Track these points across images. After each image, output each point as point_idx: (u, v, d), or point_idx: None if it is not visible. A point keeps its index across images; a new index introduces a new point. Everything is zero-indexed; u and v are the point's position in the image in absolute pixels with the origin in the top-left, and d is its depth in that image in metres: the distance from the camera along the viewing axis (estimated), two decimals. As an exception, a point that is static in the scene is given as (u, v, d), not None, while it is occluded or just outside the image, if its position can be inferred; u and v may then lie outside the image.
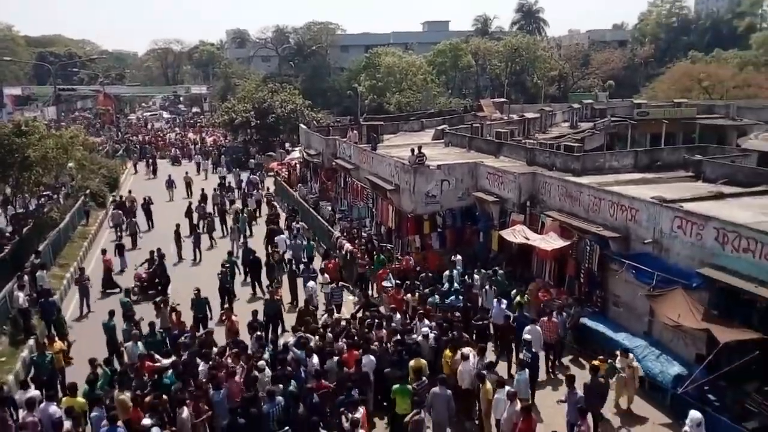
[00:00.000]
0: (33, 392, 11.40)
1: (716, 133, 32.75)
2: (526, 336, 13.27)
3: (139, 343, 13.55)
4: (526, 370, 12.24)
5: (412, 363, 12.28)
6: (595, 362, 12.01)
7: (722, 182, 17.74)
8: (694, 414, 9.69)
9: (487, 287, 16.73)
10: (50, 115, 63.33)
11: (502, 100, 49.11)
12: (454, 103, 57.89)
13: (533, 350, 12.96)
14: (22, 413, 10.72)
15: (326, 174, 31.77)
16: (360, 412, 10.67)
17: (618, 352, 12.56)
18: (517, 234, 17.79)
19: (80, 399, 11.14)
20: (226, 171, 39.75)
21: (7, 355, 15.20)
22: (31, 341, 15.76)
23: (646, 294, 13.59)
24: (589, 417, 10.34)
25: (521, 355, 13.17)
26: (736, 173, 17.91)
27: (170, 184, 34.73)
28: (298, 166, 38.50)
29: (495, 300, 15.65)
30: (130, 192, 31.84)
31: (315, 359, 12.52)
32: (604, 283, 15.55)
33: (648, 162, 20.56)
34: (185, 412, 10.42)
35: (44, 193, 28.12)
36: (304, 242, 22.00)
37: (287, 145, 47.44)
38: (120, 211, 27.86)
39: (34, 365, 13.19)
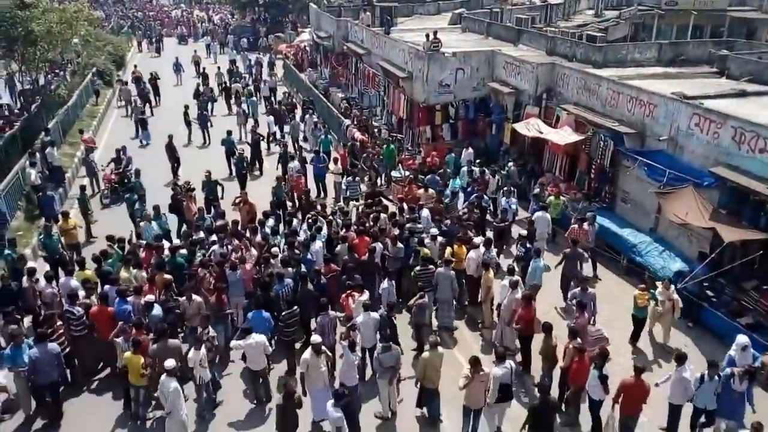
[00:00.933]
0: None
1: (746, 26, 31.09)
2: (522, 231, 13.51)
3: (153, 223, 13.85)
4: (541, 258, 12.41)
5: (419, 248, 12.60)
6: (637, 292, 11.41)
7: (746, 80, 17.08)
8: (741, 338, 9.64)
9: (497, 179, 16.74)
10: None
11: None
12: (473, -14, 54.79)
13: (528, 246, 13.07)
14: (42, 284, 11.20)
15: (337, 59, 30.83)
16: (366, 295, 11.07)
17: (660, 283, 11.60)
18: (530, 127, 17.49)
19: (89, 272, 11.67)
20: (235, 53, 38.54)
21: (24, 229, 15.63)
22: (43, 220, 16.15)
23: (656, 191, 13.54)
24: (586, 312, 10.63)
25: (514, 249, 13.48)
26: (761, 71, 17.18)
27: (178, 67, 32.93)
28: (308, 49, 37.28)
29: (504, 198, 15.63)
30: (135, 67, 31.57)
31: (318, 243, 12.86)
32: (614, 180, 15.49)
33: (672, 56, 19.68)
34: (196, 299, 10.74)
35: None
36: (321, 136, 21.35)
37: (297, 26, 45.65)
38: (129, 88, 28.25)
39: (44, 246, 13.49)
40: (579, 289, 11.20)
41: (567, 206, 15.69)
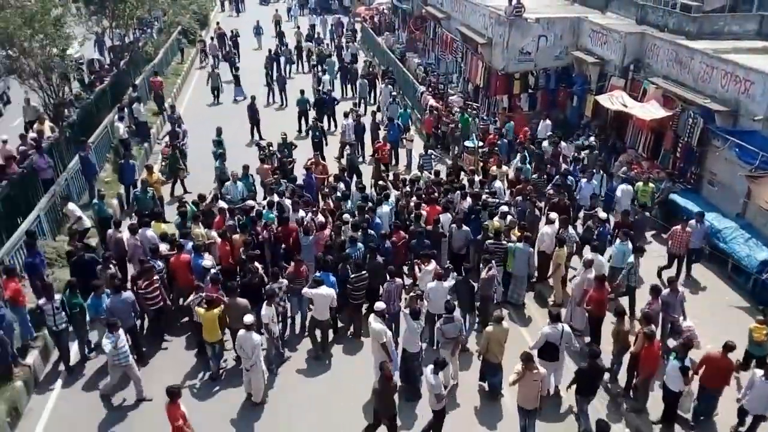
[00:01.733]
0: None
1: None
2: (602, 213, 12.86)
3: (239, 183, 14.14)
4: (629, 241, 11.69)
5: (487, 223, 12.43)
6: (753, 325, 9.72)
7: None
8: None
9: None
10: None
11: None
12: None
13: (603, 228, 12.52)
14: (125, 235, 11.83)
15: (415, 23, 30.35)
16: (432, 264, 11.09)
17: None
18: (614, 100, 16.70)
19: (164, 225, 12.22)
20: (314, 16, 38.55)
21: (111, 181, 16.48)
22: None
23: (747, 174, 12.72)
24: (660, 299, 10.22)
25: (589, 222, 12.93)
26: None
27: (258, 30, 32.69)
28: (386, 12, 36.88)
29: (584, 178, 14.63)
30: (218, 24, 32.42)
31: (386, 208, 12.99)
32: (701, 160, 14.65)
33: (776, 28, 18.21)
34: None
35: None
36: (400, 109, 20.40)
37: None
38: (215, 43, 29.76)
39: (137, 200, 13.99)
40: (669, 290, 10.21)
41: (657, 192, 14.58)
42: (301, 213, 12.56)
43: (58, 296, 9.85)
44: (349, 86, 25.19)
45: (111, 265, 10.75)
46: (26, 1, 16.80)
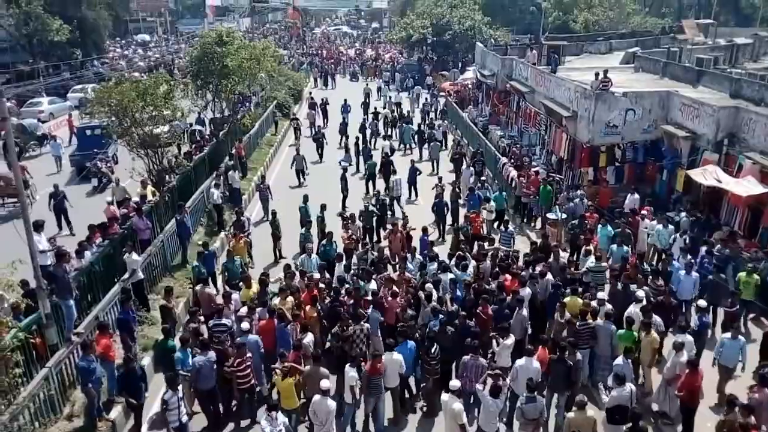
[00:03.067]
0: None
1: None
2: (702, 302, 11.69)
3: (314, 256, 14.23)
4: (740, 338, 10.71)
5: (567, 300, 11.96)
6: None
7: None
8: None
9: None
10: (244, 27, 67.96)
11: (709, 21, 43.16)
12: (650, 23, 52.14)
13: (705, 318, 11.55)
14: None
15: (498, 96, 30.82)
16: (511, 339, 10.76)
17: None
18: (707, 175, 16.02)
19: (252, 292, 12.38)
20: (396, 91, 39.63)
21: (204, 242, 17.38)
22: (223, 234, 17.83)
23: None
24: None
25: (692, 321, 11.59)
26: None
27: (346, 108, 32.10)
28: (470, 87, 37.73)
29: (681, 260, 13.54)
30: (311, 94, 34.52)
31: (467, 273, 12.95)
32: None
33: None
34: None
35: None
36: (491, 193, 19.18)
37: (461, 64, 46.48)
38: (313, 111, 32.10)
39: (227, 270, 14.05)
40: None
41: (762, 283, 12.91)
42: (373, 285, 12.43)
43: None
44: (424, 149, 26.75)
45: (198, 321, 11.18)
46: (141, 77, 18.68)
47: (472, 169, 22.13)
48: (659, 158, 19.44)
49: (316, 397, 9.07)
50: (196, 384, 10.06)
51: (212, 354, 10.18)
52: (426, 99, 35.66)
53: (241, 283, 12.85)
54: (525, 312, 11.60)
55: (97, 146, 23.28)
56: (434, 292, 11.96)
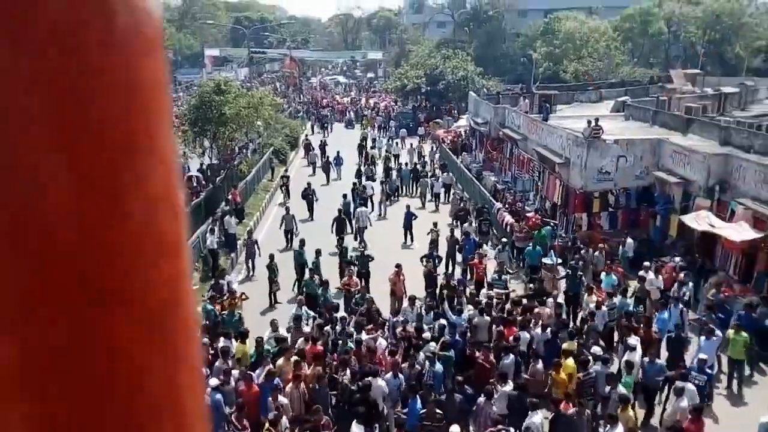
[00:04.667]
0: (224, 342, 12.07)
1: None
2: (702, 355, 11.26)
3: (303, 308, 13.64)
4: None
5: (565, 346, 11.90)
6: None
7: None
8: None
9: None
10: (242, 76, 69.27)
11: (696, 71, 44.35)
12: (638, 73, 53.52)
13: (708, 371, 11.14)
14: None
15: (492, 144, 31.32)
16: (509, 386, 10.63)
17: None
18: (701, 220, 16.21)
19: (246, 348, 11.88)
20: (390, 138, 40.00)
21: (198, 287, 17.31)
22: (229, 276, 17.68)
23: None
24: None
25: (692, 378, 10.78)
26: None
27: (338, 161, 31.88)
28: (463, 134, 38.35)
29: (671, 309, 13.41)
30: (307, 137, 35.33)
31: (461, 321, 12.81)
32: (802, 284, 13.73)
33: None
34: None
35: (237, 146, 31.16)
36: (493, 249, 18.87)
37: (455, 112, 47.38)
38: (314, 151, 33.61)
39: (223, 321, 13.54)
40: None
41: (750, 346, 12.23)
42: (364, 335, 12.05)
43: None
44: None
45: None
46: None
47: (475, 226, 21.20)
48: (652, 204, 19.68)
49: None
50: None
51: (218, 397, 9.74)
52: (411, 144, 36.05)
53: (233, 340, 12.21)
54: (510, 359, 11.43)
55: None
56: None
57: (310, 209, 24.74)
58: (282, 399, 9.91)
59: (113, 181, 0.40)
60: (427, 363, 11.05)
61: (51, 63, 0.37)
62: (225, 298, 14.71)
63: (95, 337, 0.39)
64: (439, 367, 10.98)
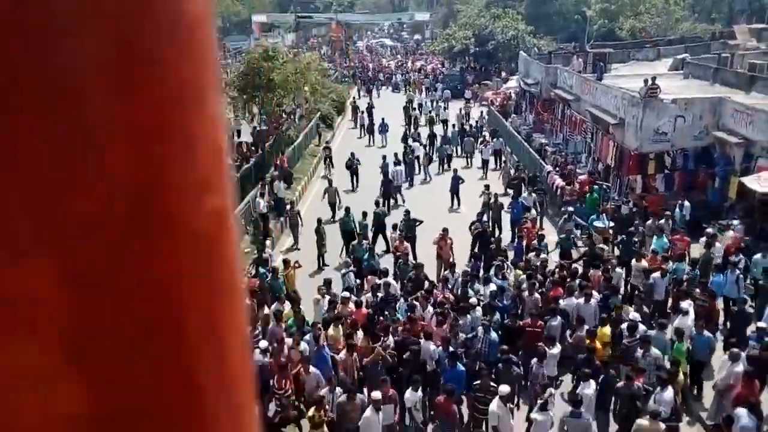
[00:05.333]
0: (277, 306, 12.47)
1: None
2: (762, 323, 11.02)
3: (351, 275, 13.72)
4: None
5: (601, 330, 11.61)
6: None
7: None
8: None
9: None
10: (289, 42, 69.21)
11: (761, 26, 41.80)
12: (699, 30, 50.79)
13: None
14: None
15: (543, 105, 30.53)
16: (557, 348, 10.61)
17: None
18: (762, 182, 15.50)
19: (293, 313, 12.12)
20: (435, 101, 39.19)
21: (248, 252, 17.75)
22: (268, 242, 18.17)
23: None
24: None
25: (750, 348, 10.35)
26: None
27: (383, 128, 31.31)
28: (513, 95, 37.50)
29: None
30: (354, 98, 36.58)
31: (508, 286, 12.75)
32: None
33: None
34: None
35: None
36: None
37: (504, 73, 46.26)
38: (362, 114, 33.82)
39: (270, 287, 13.67)
40: None
41: None
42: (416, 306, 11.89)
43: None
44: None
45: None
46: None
47: (534, 195, 19.77)
48: (711, 165, 18.91)
49: (367, 413, 8.75)
50: None
51: (258, 358, 10.06)
52: (460, 109, 34.78)
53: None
54: (558, 321, 11.35)
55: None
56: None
57: (354, 180, 24.15)
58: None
59: (161, 120, 0.42)
60: (481, 330, 10.85)
61: None
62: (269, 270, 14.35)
63: (141, 267, 0.42)
64: (494, 335, 10.80)
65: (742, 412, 8.58)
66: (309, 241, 17.74)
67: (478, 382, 9.54)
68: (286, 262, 14.67)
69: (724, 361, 10.29)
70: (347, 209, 17.82)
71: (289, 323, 11.82)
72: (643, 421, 8.53)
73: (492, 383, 9.38)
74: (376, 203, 18.19)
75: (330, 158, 26.43)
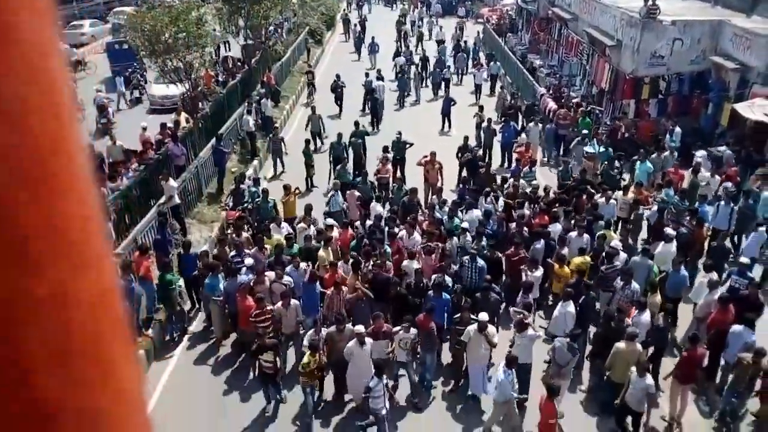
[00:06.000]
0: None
1: None
2: (744, 258, 11.05)
3: (338, 196, 13.70)
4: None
5: (603, 232, 11.83)
6: None
7: None
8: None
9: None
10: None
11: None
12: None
13: (750, 275, 10.74)
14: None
15: (539, 24, 29.58)
16: (540, 271, 10.77)
17: None
18: (756, 109, 15.33)
19: (275, 239, 11.91)
20: (428, 18, 38.17)
21: (237, 170, 17.56)
22: (256, 161, 17.97)
23: None
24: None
25: (732, 282, 10.68)
26: None
27: (372, 48, 29.85)
28: (510, 13, 36.25)
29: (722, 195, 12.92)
30: (344, 10, 36.72)
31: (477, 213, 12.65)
32: None
33: None
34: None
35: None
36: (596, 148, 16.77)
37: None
38: (354, 27, 33.61)
39: (259, 210, 13.48)
40: None
41: None
42: (403, 233, 11.85)
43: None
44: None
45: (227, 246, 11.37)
46: (173, 2, 18.42)
47: (540, 125, 18.68)
48: (705, 91, 18.63)
49: (351, 344, 8.75)
50: (229, 307, 10.33)
51: (242, 278, 10.31)
52: (455, 29, 33.47)
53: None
54: (541, 244, 11.43)
55: (129, 59, 23.68)
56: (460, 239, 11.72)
57: (339, 103, 22.96)
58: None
59: None
60: (467, 259, 10.86)
61: None
62: (246, 204, 13.74)
63: None
64: (481, 263, 10.80)
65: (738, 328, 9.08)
66: (293, 168, 17.40)
67: (458, 315, 9.64)
68: (286, 188, 13.98)
69: (700, 284, 10.54)
70: (339, 135, 16.87)
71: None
72: (620, 344, 8.82)
73: (472, 315, 9.38)
74: (356, 123, 17.74)
75: (312, 84, 25.01)
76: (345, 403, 9.60)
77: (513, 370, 8.49)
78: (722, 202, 12.79)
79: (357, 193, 13.97)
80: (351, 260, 10.74)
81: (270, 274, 10.44)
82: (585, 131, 17.30)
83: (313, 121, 19.13)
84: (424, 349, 9.59)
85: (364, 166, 16.82)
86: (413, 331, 9.15)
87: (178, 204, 13.58)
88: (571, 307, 9.73)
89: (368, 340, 8.91)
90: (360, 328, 8.90)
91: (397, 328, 9.23)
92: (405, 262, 10.97)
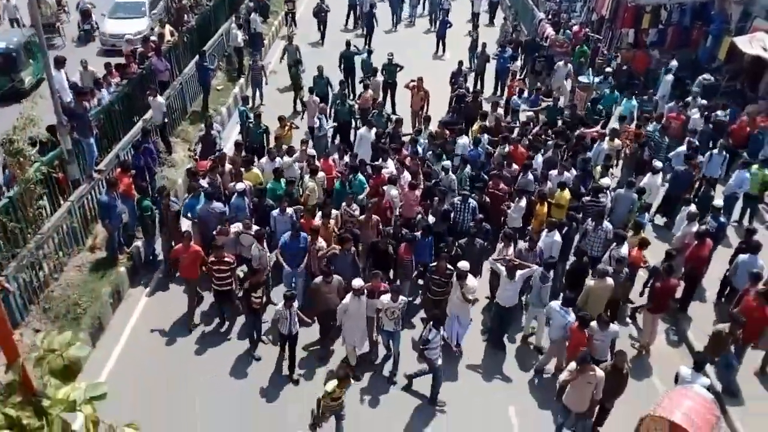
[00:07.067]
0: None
1: None
2: (717, 202, 11.04)
3: (323, 118, 13.69)
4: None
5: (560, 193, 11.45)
6: None
7: None
8: None
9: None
10: None
11: None
12: None
13: (722, 219, 10.72)
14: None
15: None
16: (524, 201, 10.78)
17: None
18: (754, 43, 14.98)
19: (255, 172, 11.47)
20: None
21: (224, 86, 17.14)
22: (242, 80, 17.48)
23: None
24: None
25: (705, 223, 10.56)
26: None
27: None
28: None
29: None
30: None
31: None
32: None
33: None
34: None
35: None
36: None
37: None
38: None
39: (249, 132, 13.23)
40: None
41: None
42: (390, 166, 11.53)
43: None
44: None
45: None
46: None
47: (570, 66, 17.11)
48: (706, 23, 18.14)
49: (346, 299, 8.56)
50: (203, 230, 10.16)
51: (218, 204, 10.19)
52: None
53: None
54: (530, 176, 11.34)
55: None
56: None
57: (322, 30, 21.40)
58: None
59: None
60: (458, 200, 10.69)
61: None
62: (218, 150, 12.44)
63: None
64: (473, 203, 10.62)
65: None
66: (273, 96, 16.95)
67: (434, 264, 9.36)
68: (281, 119, 13.15)
69: (680, 218, 10.66)
70: (320, 68, 15.29)
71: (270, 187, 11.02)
72: (590, 281, 8.98)
73: (449, 266, 9.13)
74: (347, 43, 16.99)
75: (293, 14, 22.67)
76: (332, 352, 9.30)
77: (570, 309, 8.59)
78: (715, 151, 12.60)
79: (316, 98, 13.86)
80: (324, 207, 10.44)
81: (237, 226, 9.92)
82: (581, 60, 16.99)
83: (289, 52, 17.10)
84: (400, 278, 9.75)
85: (352, 87, 16.43)
86: (402, 299, 8.73)
87: (164, 123, 13.37)
88: (557, 236, 9.82)
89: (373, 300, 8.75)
90: (358, 282, 8.54)
91: (386, 295, 8.68)
92: (385, 187, 10.90)
